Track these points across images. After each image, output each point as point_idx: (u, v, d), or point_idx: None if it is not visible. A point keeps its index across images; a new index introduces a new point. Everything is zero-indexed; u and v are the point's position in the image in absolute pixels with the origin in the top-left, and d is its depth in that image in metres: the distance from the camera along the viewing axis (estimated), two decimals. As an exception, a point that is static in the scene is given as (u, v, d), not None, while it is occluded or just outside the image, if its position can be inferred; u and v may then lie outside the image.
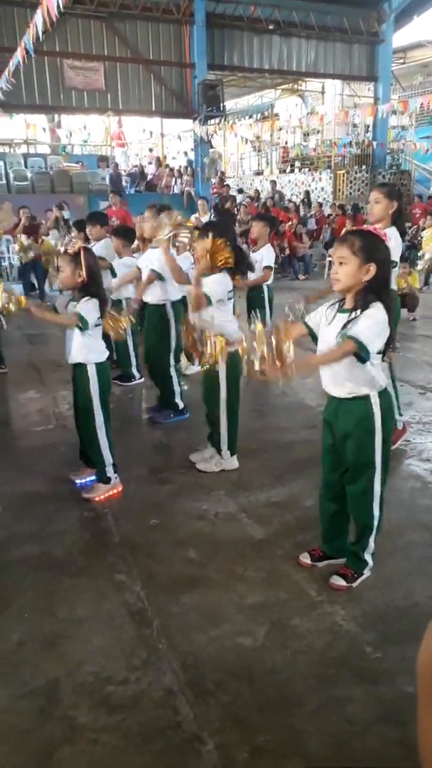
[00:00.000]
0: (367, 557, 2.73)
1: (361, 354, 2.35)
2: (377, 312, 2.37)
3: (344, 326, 2.40)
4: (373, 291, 2.41)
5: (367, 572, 2.74)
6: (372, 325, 2.35)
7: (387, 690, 2.13)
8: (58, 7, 5.46)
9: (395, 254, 3.71)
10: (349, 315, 2.41)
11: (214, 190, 16.25)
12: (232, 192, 16.88)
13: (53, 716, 2.06)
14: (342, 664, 2.25)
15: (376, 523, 2.66)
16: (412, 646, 2.28)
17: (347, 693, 2.12)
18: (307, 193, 17.11)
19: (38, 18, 6.13)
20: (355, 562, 2.74)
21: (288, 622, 2.48)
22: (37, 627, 2.49)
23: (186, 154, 18.28)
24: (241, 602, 2.61)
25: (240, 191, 17.83)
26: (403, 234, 4.18)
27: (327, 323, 2.53)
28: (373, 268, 2.37)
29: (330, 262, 13.13)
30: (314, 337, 2.62)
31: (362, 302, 2.40)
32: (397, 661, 2.26)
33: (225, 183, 17.87)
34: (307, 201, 16.33)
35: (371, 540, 2.69)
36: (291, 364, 2.30)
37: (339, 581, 2.70)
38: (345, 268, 2.40)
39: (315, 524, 2.95)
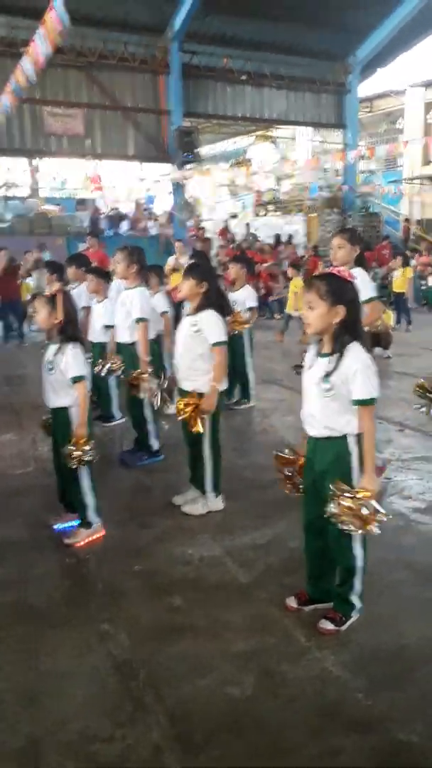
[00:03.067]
0: (354, 600, 2.70)
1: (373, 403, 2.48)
2: (359, 357, 2.44)
3: (326, 375, 2.47)
4: (347, 332, 2.47)
5: (354, 615, 2.71)
6: (366, 377, 2.45)
7: (380, 738, 2.09)
8: (46, 54, 5.57)
9: (367, 292, 3.79)
10: (329, 360, 2.47)
11: (192, 233, 16.51)
12: (208, 234, 17.20)
13: (36, 778, 1.97)
14: (333, 712, 2.20)
15: (360, 564, 2.64)
16: (403, 691, 2.27)
17: (340, 742, 2.07)
18: (278, 236, 17.43)
19: (25, 63, 6.23)
20: (342, 606, 2.71)
21: (277, 669, 2.43)
22: (17, 681, 2.40)
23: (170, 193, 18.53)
24: (228, 650, 2.55)
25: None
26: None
27: (308, 368, 2.57)
28: (342, 310, 2.43)
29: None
30: None
31: (339, 345, 2.46)
32: (389, 706, 2.22)
33: (201, 226, 18.20)
34: (275, 244, 16.62)
35: (357, 582, 2.67)
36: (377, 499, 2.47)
37: (327, 625, 2.66)
38: (314, 313, 2.46)
39: (300, 566, 2.92)
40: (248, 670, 2.42)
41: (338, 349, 2.45)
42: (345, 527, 2.45)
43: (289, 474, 2.84)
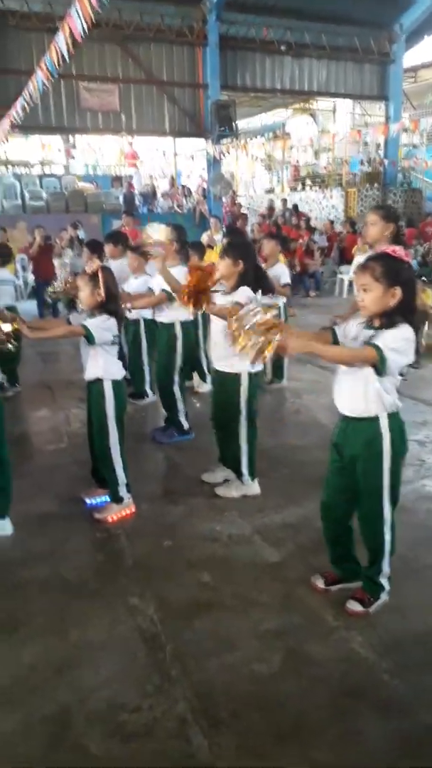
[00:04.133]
0: (383, 581, 2.68)
1: (378, 365, 2.32)
2: (404, 330, 2.35)
3: (365, 343, 2.39)
4: (401, 313, 2.37)
5: (384, 597, 2.69)
6: (396, 339, 2.32)
7: (406, 721, 2.08)
8: (82, 30, 5.51)
9: None
10: (374, 333, 2.40)
11: (226, 209, 16.35)
12: (244, 210, 16.99)
13: (65, 744, 2.03)
14: (359, 694, 2.20)
15: (388, 547, 2.62)
16: (430, 675, 2.25)
17: (365, 724, 2.07)
18: (295, 206, 16.92)
19: (60, 40, 6.20)
20: (370, 587, 2.69)
21: (304, 648, 2.44)
22: (49, 651, 2.46)
23: (204, 169, 18.36)
24: (255, 628, 2.57)
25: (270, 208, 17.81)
26: None
27: (352, 337, 2.49)
28: (398, 292, 2.32)
29: (342, 279, 13.10)
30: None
31: (389, 323, 2.37)
32: (416, 690, 2.21)
33: (236, 202, 17.99)
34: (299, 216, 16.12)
35: (385, 564, 2.65)
36: (290, 337, 2.25)
37: (355, 606, 2.66)
38: (370, 295, 2.36)
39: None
40: (275, 649, 2.44)
41: (387, 325, 2.36)
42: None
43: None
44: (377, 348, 2.29)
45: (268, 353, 2.24)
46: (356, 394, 2.46)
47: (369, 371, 2.39)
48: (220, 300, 3.69)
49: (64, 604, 2.77)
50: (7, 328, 3.34)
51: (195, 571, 3.00)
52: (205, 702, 2.17)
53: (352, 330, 2.52)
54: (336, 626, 2.57)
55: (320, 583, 2.83)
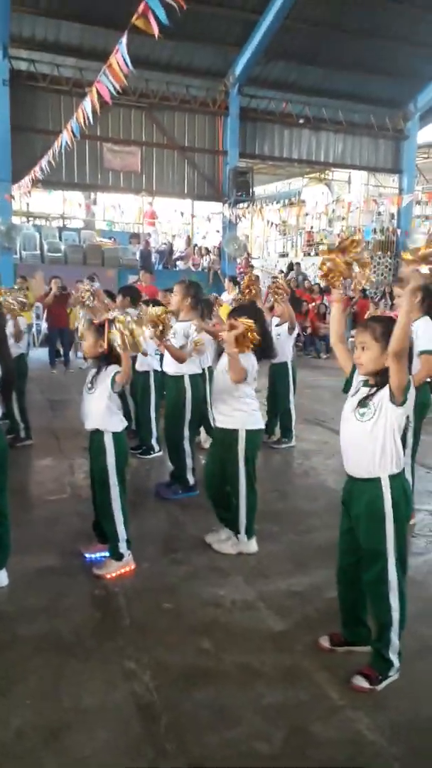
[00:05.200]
0: (392, 657, 2.55)
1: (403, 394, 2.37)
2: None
3: (362, 401, 2.46)
4: None
5: (393, 674, 2.55)
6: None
7: None
8: (111, 94, 5.78)
9: (425, 343, 3.69)
10: (370, 390, 2.46)
11: (240, 270, 16.66)
12: (256, 272, 17.33)
13: None
14: (367, 782, 2.05)
15: (396, 616, 2.51)
16: (446, 766, 2.10)
17: None
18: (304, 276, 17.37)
19: (87, 104, 6.49)
20: (378, 662, 2.57)
21: (308, 727, 2.30)
22: (40, 715, 2.33)
23: (218, 231, 18.84)
24: (257, 701, 2.44)
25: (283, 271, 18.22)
26: None
27: (352, 394, 2.58)
28: None
29: (353, 343, 13.24)
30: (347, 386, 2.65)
31: (383, 381, 2.44)
32: (428, 781, 2.06)
33: (250, 264, 18.35)
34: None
35: (394, 637, 2.53)
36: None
37: (362, 683, 2.52)
38: (368, 354, 2.45)
39: (338, 618, 2.79)
40: (277, 726, 2.30)
41: (382, 383, 2.43)
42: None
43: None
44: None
45: None
46: (361, 453, 2.48)
47: (377, 427, 2.40)
48: (225, 359, 3.69)
49: (58, 664, 2.64)
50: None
51: (195, 637, 2.87)
52: (202, 781, 2.03)
53: (354, 381, 2.60)
54: (342, 705, 2.43)
55: (326, 643, 2.75)
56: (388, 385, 2.39)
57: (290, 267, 18.21)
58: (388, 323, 2.44)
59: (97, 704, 2.40)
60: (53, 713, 2.34)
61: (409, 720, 2.35)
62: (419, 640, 2.78)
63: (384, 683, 2.53)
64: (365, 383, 2.53)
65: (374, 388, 2.45)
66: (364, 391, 2.49)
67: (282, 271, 18.02)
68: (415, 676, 2.60)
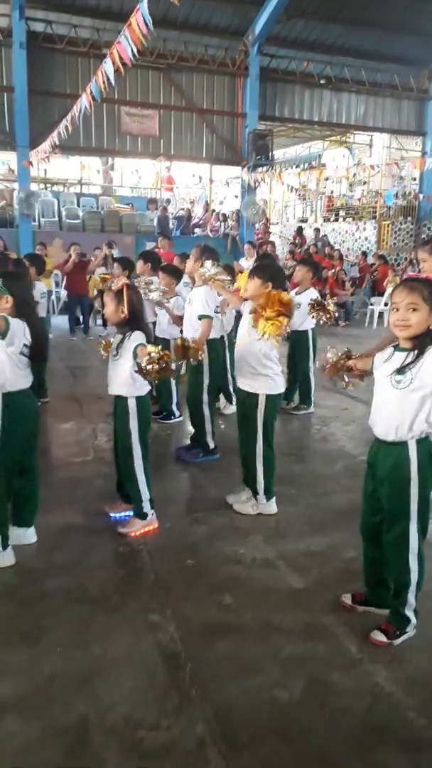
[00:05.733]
0: (409, 614, 2.62)
1: None
2: None
3: (402, 367, 2.42)
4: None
5: (410, 630, 2.62)
6: None
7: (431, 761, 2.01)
8: (131, 56, 5.70)
9: None
10: (407, 354, 2.42)
11: (258, 235, 16.50)
12: (273, 238, 17.21)
13: (82, 756, 2.00)
14: (384, 729, 2.13)
15: (415, 578, 2.57)
16: (460, 715, 2.18)
17: (390, 760, 2.01)
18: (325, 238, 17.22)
19: (107, 66, 6.40)
20: (396, 618, 2.63)
21: (326, 678, 2.38)
22: (70, 662, 2.44)
23: (237, 197, 18.63)
24: (277, 653, 2.52)
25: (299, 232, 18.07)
26: None
27: (384, 360, 2.54)
28: None
29: (373, 310, 13.06)
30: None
31: (421, 344, 2.41)
32: (443, 729, 2.13)
33: (268, 230, 18.16)
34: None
35: (410, 596, 2.59)
36: None
37: (380, 637, 2.60)
38: (417, 315, 2.39)
39: (356, 578, 2.86)
40: (297, 676, 2.39)
41: (419, 347, 2.40)
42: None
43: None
44: None
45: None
46: (393, 418, 2.47)
47: (413, 396, 2.40)
48: (245, 319, 3.71)
49: (85, 617, 2.75)
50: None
51: (217, 593, 2.96)
52: (225, 725, 2.13)
53: (385, 354, 2.57)
54: (360, 658, 2.51)
55: (348, 600, 2.82)
56: (429, 359, 2.36)
57: (299, 230, 17.98)
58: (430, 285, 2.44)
59: (124, 654, 2.50)
60: (82, 661, 2.45)
61: (425, 674, 2.42)
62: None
63: (401, 638, 2.60)
64: (398, 348, 2.49)
65: (411, 354, 2.41)
66: (399, 356, 2.45)
67: (302, 235, 17.79)
68: (430, 633, 2.66)
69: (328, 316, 5.40)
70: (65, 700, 2.24)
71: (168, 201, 18.00)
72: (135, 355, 3.36)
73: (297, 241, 17.27)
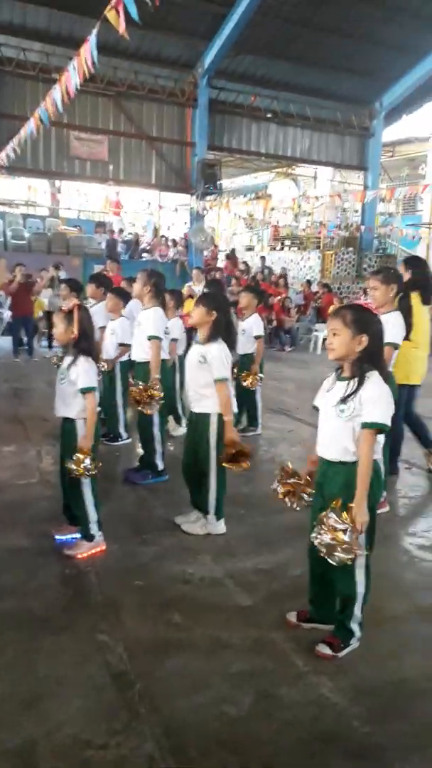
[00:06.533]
0: (354, 627, 2.69)
1: (383, 431, 2.50)
2: (378, 386, 2.50)
3: (344, 398, 2.52)
4: (368, 360, 2.54)
5: (354, 643, 2.70)
6: (382, 403, 2.49)
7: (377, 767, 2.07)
8: (76, 86, 5.79)
9: (389, 336, 3.80)
10: (348, 383, 2.53)
11: (208, 262, 16.73)
12: (220, 264, 17.50)
13: (28, 781, 1.96)
14: (330, 738, 2.18)
15: (361, 591, 2.65)
16: (401, 723, 2.25)
17: (336, 768, 2.06)
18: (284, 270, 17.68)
19: (56, 93, 6.46)
20: (341, 632, 2.70)
21: (274, 691, 2.42)
22: (16, 684, 2.39)
23: (186, 223, 18.87)
24: (225, 669, 2.55)
25: (228, 256, 18.42)
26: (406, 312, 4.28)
27: (326, 390, 2.63)
28: (365, 339, 2.52)
29: (317, 336, 13.43)
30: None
31: (359, 371, 2.53)
32: (386, 737, 2.20)
33: (216, 256, 18.45)
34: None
35: (357, 609, 2.67)
36: (360, 526, 2.46)
37: (325, 650, 2.66)
38: (338, 339, 2.55)
39: (303, 594, 2.92)
40: (245, 691, 2.41)
41: (357, 374, 2.52)
42: (326, 557, 2.48)
43: (292, 487, 2.86)
44: (374, 425, 2.47)
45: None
46: (338, 438, 2.56)
47: (356, 423, 2.51)
48: (195, 349, 3.78)
49: (31, 638, 2.70)
50: None
51: (165, 612, 2.96)
52: (175, 740, 2.13)
53: (327, 383, 2.68)
54: (306, 671, 2.56)
55: (293, 618, 2.86)
56: (367, 392, 2.48)
57: (232, 252, 18.39)
58: (357, 310, 2.57)
59: (72, 674, 2.47)
60: (28, 683, 2.41)
61: (368, 684, 2.49)
62: (377, 611, 2.92)
63: (345, 651, 2.66)
64: (339, 377, 2.61)
65: (350, 383, 2.52)
66: (341, 386, 2.56)
67: (246, 263, 18.14)
68: (374, 645, 2.74)
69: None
70: (11, 722, 2.19)
71: (121, 230, 18.08)
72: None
73: (242, 267, 17.58)
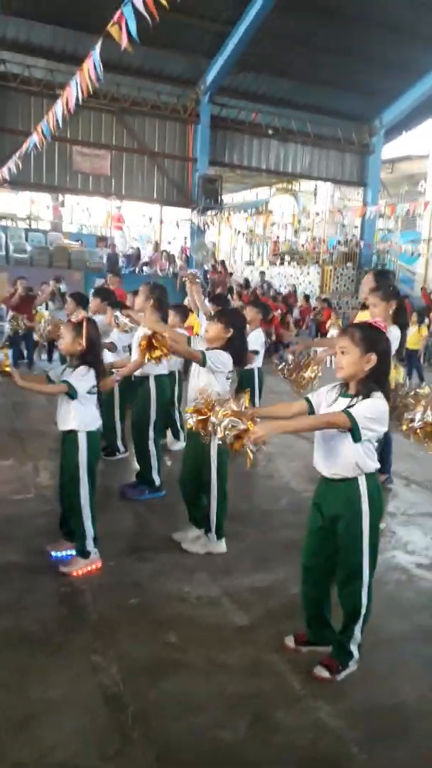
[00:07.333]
0: (353, 649, 2.65)
1: (352, 431, 2.40)
2: (379, 401, 2.45)
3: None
4: (375, 380, 2.50)
5: (352, 665, 2.65)
6: (371, 408, 2.42)
7: (374, 796, 2.02)
8: (77, 99, 5.83)
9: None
10: (351, 400, 2.48)
11: (208, 277, 16.78)
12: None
13: (17, 808, 1.91)
14: (327, 764, 2.14)
15: (363, 611, 2.61)
16: (400, 747, 2.21)
17: (332, 796, 2.01)
18: (294, 287, 17.78)
19: (58, 108, 6.51)
20: (340, 654, 2.66)
21: (270, 715, 2.37)
22: (7, 706, 2.35)
23: (185, 239, 18.95)
24: (222, 691, 2.50)
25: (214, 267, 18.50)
26: (404, 327, 4.28)
27: (327, 405, 2.58)
28: (373, 358, 2.46)
29: (315, 351, 13.43)
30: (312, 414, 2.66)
31: (364, 390, 2.48)
32: (385, 762, 2.15)
33: (218, 270, 18.51)
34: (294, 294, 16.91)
35: (358, 630, 2.63)
36: (260, 426, 2.39)
37: (323, 673, 2.61)
38: (347, 357, 2.49)
39: (300, 612, 2.87)
40: (241, 714, 2.37)
41: (363, 393, 2.47)
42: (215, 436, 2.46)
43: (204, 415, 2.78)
44: (349, 415, 2.39)
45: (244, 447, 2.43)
46: (336, 456, 2.52)
47: (348, 436, 2.45)
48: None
49: (24, 658, 2.66)
50: None
51: (161, 631, 2.92)
52: (167, 766, 2.08)
53: (331, 395, 2.61)
54: (303, 694, 2.51)
55: (290, 642, 2.81)
56: (363, 404, 2.43)
57: (246, 281, 18.44)
58: (365, 328, 2.54)
59: (64, 696, 2.43)
60: (20, 705, 2.36)
61: (367, 707, 2.45)
62: (375, 633, 2.87)
63: (344, 673, 2.62)
64: (343, 394, 2.55)
65: (353, 401, 2.46)
66: (343, 402, 2.51)
67: (247, 279, 18.20)
68: (372, 667, 2.70)
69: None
70: (3, 746, 2.15)
71: (114, 238, 18.15)
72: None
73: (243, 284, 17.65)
